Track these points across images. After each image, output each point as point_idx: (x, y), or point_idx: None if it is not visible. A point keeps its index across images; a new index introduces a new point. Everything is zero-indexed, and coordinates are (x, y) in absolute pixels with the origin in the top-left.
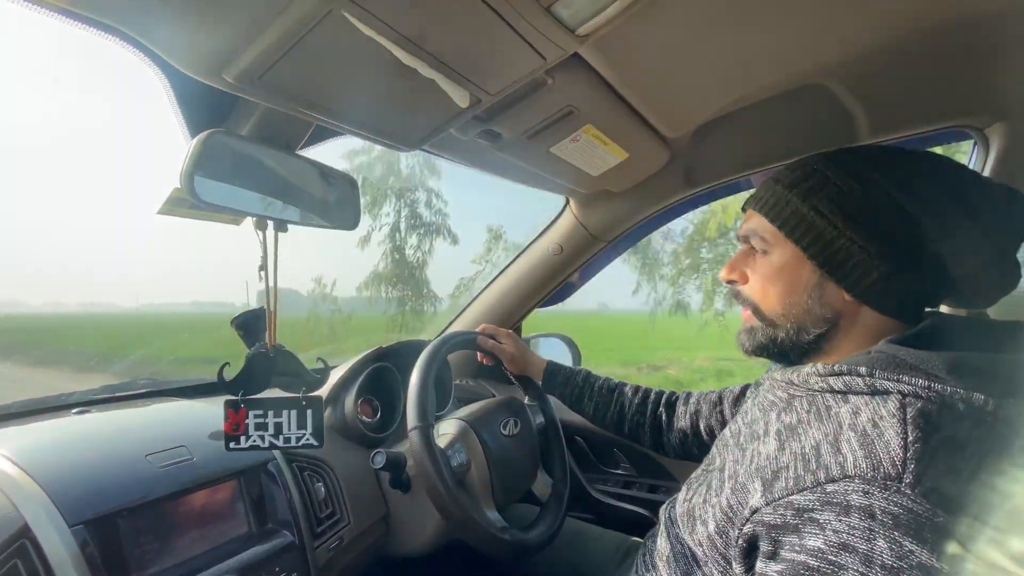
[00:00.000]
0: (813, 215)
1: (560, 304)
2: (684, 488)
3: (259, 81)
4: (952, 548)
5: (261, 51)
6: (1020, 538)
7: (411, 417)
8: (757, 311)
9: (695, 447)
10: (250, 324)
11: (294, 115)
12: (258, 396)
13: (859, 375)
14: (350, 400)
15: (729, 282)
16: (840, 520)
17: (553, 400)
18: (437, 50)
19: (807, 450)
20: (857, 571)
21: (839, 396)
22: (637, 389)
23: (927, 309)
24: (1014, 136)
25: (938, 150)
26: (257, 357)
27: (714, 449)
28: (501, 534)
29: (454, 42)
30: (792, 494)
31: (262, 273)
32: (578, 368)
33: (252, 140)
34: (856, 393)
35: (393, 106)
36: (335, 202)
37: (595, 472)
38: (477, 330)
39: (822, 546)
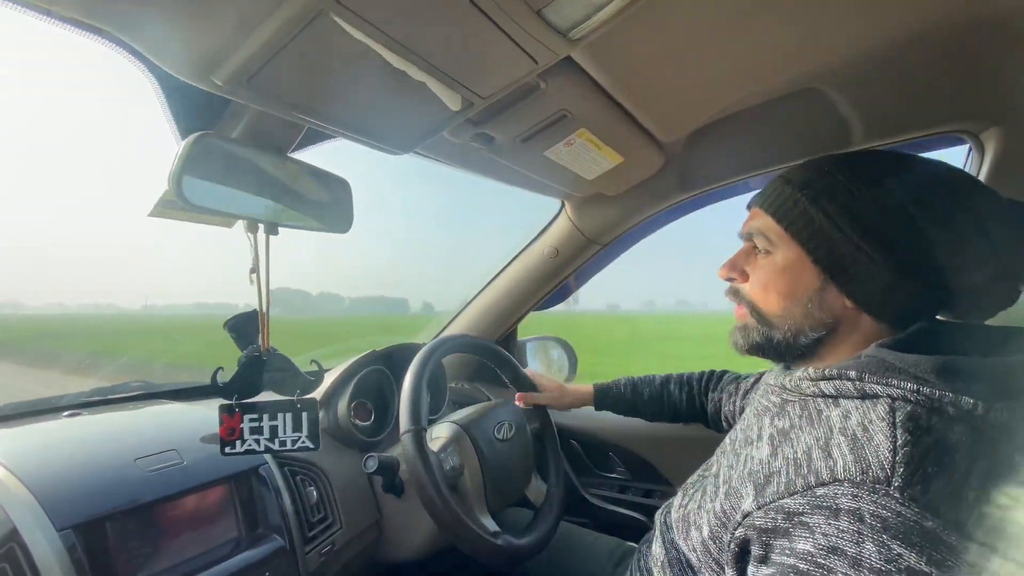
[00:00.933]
0: (822, 218)
1: (575, 304)
2: (680, 493)
3: (248, 84)
4: (941, 552)
5: (250, 54)
6: (1010, 542)
7: (404, 420)
8: (755, 310)
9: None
10: (243, 327)
11: (285, 118)
12: (253, 400)
13: (849, 379)
14: (343, 403)
15: (728, 279)
16: (829, 524)
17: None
18: (427, 53)
19: (799, 455)
20: (845, 574)
21: (830, 400)
22: (680, 383)
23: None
24: (1009, 141)
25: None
26: (251, 360)
27: (713, 455)
28: (494, 539)
29: (443, 45)
30: (783, 498)
31: (253, 276)
32: (622, 381)
33: (243, 143)
34: (846, 397)
35: (384, 109)
36: (328, 205)
37: (590, 476)
38: (517, 402)
39: (811, 549)
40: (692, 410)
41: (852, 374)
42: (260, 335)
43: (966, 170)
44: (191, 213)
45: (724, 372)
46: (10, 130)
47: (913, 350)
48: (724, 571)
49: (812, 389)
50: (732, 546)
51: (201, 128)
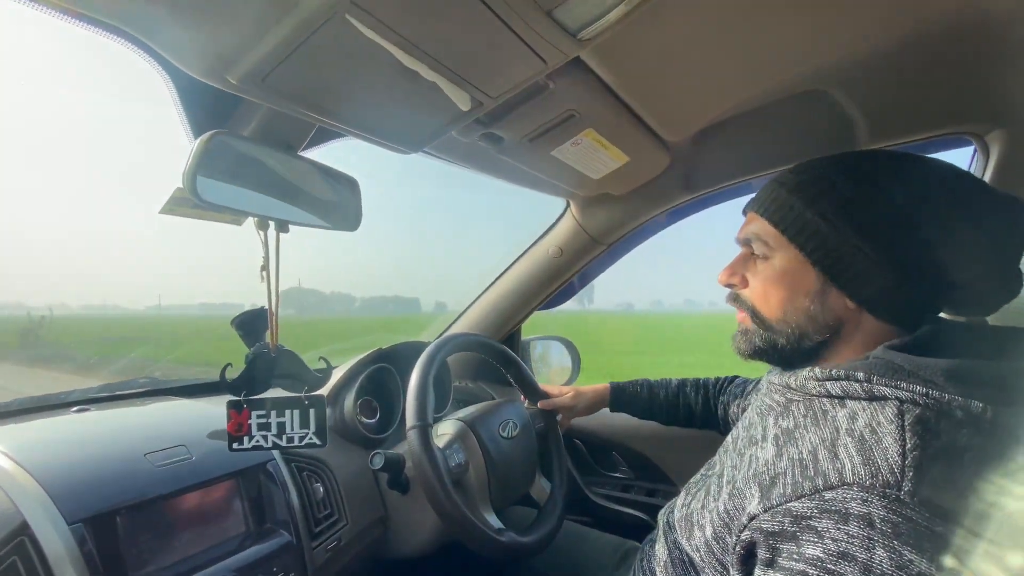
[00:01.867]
0: (818, 220)
1: (590, 304)
2: (683, 493)
3: (263, 83)
4: (950, 557)
5: (265, 53)
6: (1018, 546)
7: (410, 416)
8: (756, 315)
9: None
10: (250, 324)
11: (296, 116)
12: (260, 396)
13: (857, 380)
14: (350, 401)
15: (728, 286)
16: (839, 528)
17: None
18: (439, 53)
19: (804, 455)
20: None
21: (836, 401)
22: (696, 386)
23: (928, 316)
24: (1014, 143)
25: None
26: (259, 357)
27: (716, 455)
28: (498, 536)
29: (456, 46)
30: (790, 501)
31: (263, 273)
32: (638, 382)
33: (254, 141)
34: (853, 398)
35: (395, 108)
36: (337, 203)
37: (593, 475)
38: (540, 404)
39: (821, 555)
40: (707, 414)
41: (860, 375)
42: (269, 332)
43: (971, 171)
44: (202, 211)
45: (735, 377)
46: (12, 129)
47: (921, 352)
48: (728, 572)
49: (818, 389)
50: (737, 548)
51: (213, 127)
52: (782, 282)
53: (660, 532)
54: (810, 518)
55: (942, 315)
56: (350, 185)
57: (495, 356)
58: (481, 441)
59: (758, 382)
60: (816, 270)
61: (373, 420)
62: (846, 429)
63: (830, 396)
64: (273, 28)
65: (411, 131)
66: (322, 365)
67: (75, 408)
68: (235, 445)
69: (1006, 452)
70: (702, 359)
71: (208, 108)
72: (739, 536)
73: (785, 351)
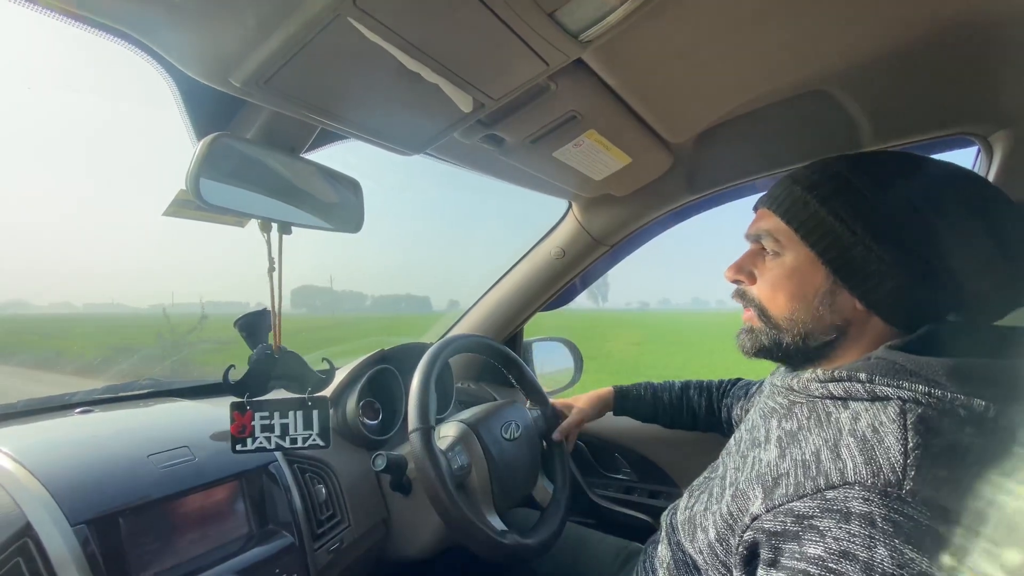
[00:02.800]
0: (832, 220)
1: (605, 303)
2: (686, 495)
3: (265, 85)
4: (952, 556)
5: (267, 56)
6: (1020, 545)
7: (412, 419)
8: (763, 313)
9: None
10: (253, 325)
11: (299, 119)
12: (264, 398)
13: (859, 381)
14: (352, 402)
15: (735, 282)
16: (840, 527)
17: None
18: (441, 55)
19: (807, 456)
20: None
21: (839, 402)
22: (700, 389)
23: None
24: (1018, 143)
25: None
26: (262, 358)
27: (719, 458)
28: (501, 538)
29: (458, 47)
30: (792, 501)
31: (272, 275)
32: (642, 386)
33: (257, 143)
34: (856, 399)
35: (397, 110)
36: (339, 205)
37: (596, 477)
38: (555, 437)
39: (822, 554)
40: (711, 417)
41: (862, 376)
42: (272, 333)
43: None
44: (205, 213)
45: (738, 379)
46: (17, 128)
47: (923, 352)
48: (732, 573)
49: (821, 391)
50: (740, 549)
51: (216, 129)
52: (791, 280)
53: (663, 534)
54: (812, 517)
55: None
56: (352, 187)
57: (497, 357)
58: (483, 443)
59: (761, 384)
60: (826, 270)
61: (375, 421)
62: (849, 430)
63: (833, 397)
64: (275, 31)
65: (413, 133)
66: (325, 366)
67: (78, 409)
68: (238, 447)
69: (1009, 450)
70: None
71: (211, 110)
72: (742, 537)
73: (790, 350)
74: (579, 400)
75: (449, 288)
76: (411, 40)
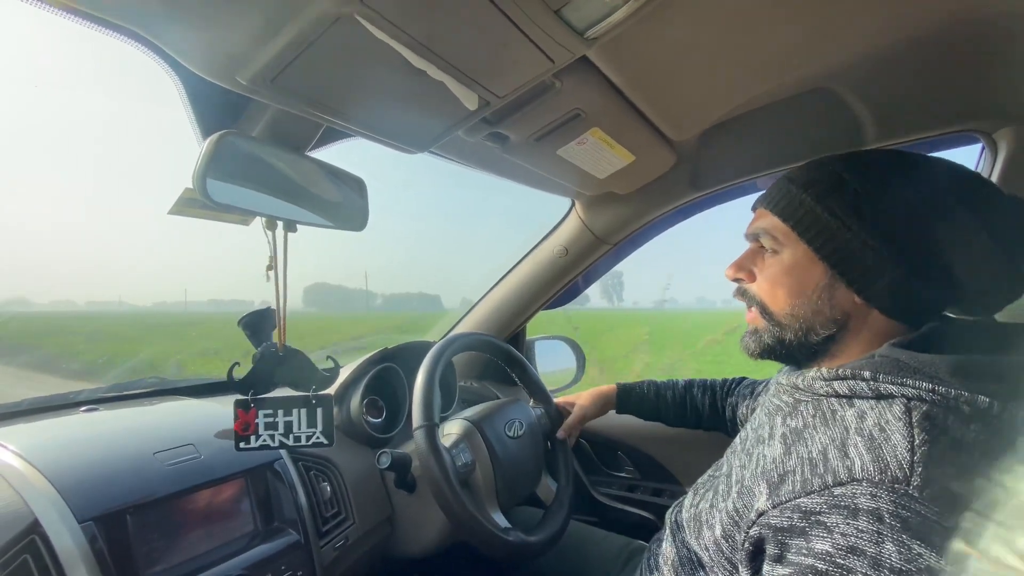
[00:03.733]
0: (827, 216)
1: (621, 302)
2: (691, 493)
3: (271, 83)
4: (960, 551)
5: (274, 54)
6: None
7: (416, 416)
8: (764, 310)
9: None
10: (257, 324)
11: (304, 117)
12: (268, 395)
13: (863, 379)
14: (356, 400)
15: (736, 280)
16: (848, 523)
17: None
18: (447, 53)
19: (814, 454)
20: (865, 574)
21: (844, 400)
22: (703, 388)
23: (934, 315)
24: (1022, 140)
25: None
26: (266, 356)
27: (724, 456)
28: (505, 535)
29: (464, 45)
30: (799, 497)
31: (270, 272)
32: (645, 384)
33: (263, 141)
34: (860, 397)
35: (402, 108)
36: (344, 203)
37: (599, 475)
38: (558, 435)
39: (830, 549)
40: (715, 415)
41: (866, 374)
42: (277, 331)
43: (979, 169)
44: (210, 211)
45: (743, 378)
46: (22, 126)
47: (926, 349)
48: (737, 570)
49: (825, 389)
50: (746, 544)
51: (222, 127)
52: (790, 276)
53: (668, 531)
54: (819, 513)
55: (947, 314)
56: (357, 185)
57: (500, 356)
58: (487, 441)
59: (767, 383)
60: (824, 265)
61: (379, 419)
62: (855, 428)
63: (838, 396)
64: (283, 29)
65: (418, 131)
66: (329, 364)
67: (84, 408)
68: (242, 444)
69: (1015, 447)
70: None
71: (217, 109)
72: (747, 533)
73: (792, 346)
74: (581, 398)
75: (460, 287)
76: (417, 38)
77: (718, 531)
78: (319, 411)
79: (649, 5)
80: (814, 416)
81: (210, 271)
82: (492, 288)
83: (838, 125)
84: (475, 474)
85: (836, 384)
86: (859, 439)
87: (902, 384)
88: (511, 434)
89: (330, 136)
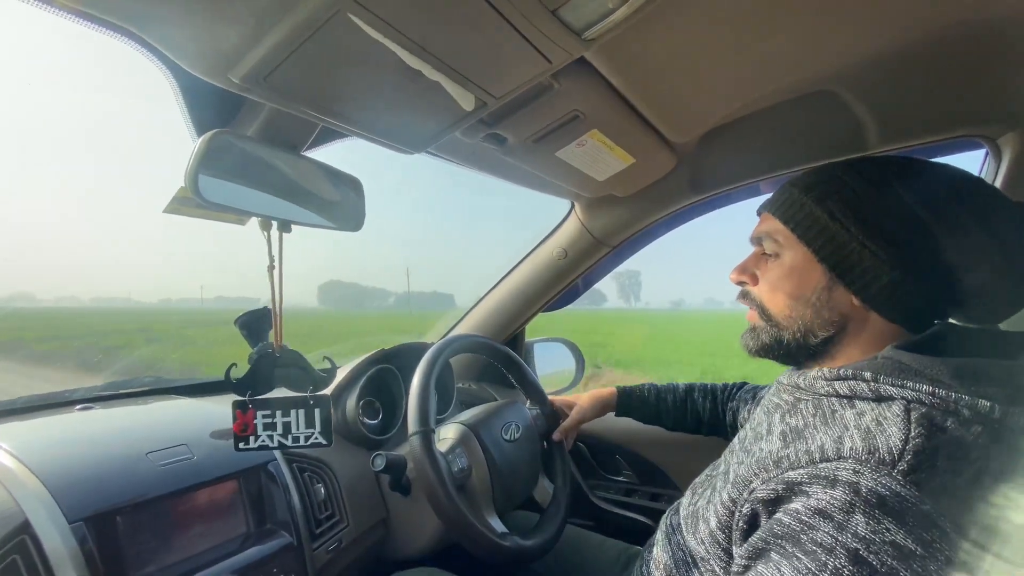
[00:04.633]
0: (826, 218)
1: (637, 302)
2: (689, 493)
3: (265, 82)
4: (931, 534)
5: (267, 52)
6: (1021, 547)
7: (412, 421)
8: (763, 311)
9: None
10: (253, 324)
11: (299, 116)
12: (265, 396)
13: (864, 380)
14: (352, 401)
15: (739, 283)
16: (825, 491)
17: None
18: (442, 53)
19: (812, 449)
20: (828, 534)
21: (844, 400)
22: (704, 392)
23: (936, 321)
24: None
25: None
26: (263, 357)
27: (722, 456)
28: (501, 540)
29: (459, 45)
30: (786, 472)
31: (271, 273)
32: (645, 387)
33: (258, 140)
34: (861, 398)
35: (398, 108)
36: (340, 203)
37: (596, 479)
38: (555, 437)
39: (799, 507)
40: (715, 420)
41: (867, 375)
42: (273, 332)
43: (982, 175)
44: (205, 210)
45: (744, 383)
46: (26, 125)
47: (928, 352)
48: (732, 558)
49: (826, 389)
50: (741, 524)
51: (216, 126)
52: (790, 279)
53: (661, 535)
54: (801, 483)
55: (952, 321)
56: (353, 185)
57: (498, 358)
58: (484, 444)
59: (770, 387)
60: (823, 267)
61: (375, 421)
62: (854, 425)
63: (838, 396)
64: (276, 26)
65: (414, 131)
66: (326, 365)
67: (78, 406)
68: (241, 445)
69: (1015, 453)
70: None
71: (211, 107)
72: (742, 511)
73: (791, 347)
74: (580, 399)
75: (473, 285)
76: (412, 37)
77: (713, 523)
78: (317, 411)
79: (648, 6)
80: (814, 416)
81: (213, 269)
82: (491, 290)
83: (840, 129)
84: (471, 479)
85: (837, 384)
86: (856, 432)
87: (902, 386)
88: (508, 437)
89: (326, 136)
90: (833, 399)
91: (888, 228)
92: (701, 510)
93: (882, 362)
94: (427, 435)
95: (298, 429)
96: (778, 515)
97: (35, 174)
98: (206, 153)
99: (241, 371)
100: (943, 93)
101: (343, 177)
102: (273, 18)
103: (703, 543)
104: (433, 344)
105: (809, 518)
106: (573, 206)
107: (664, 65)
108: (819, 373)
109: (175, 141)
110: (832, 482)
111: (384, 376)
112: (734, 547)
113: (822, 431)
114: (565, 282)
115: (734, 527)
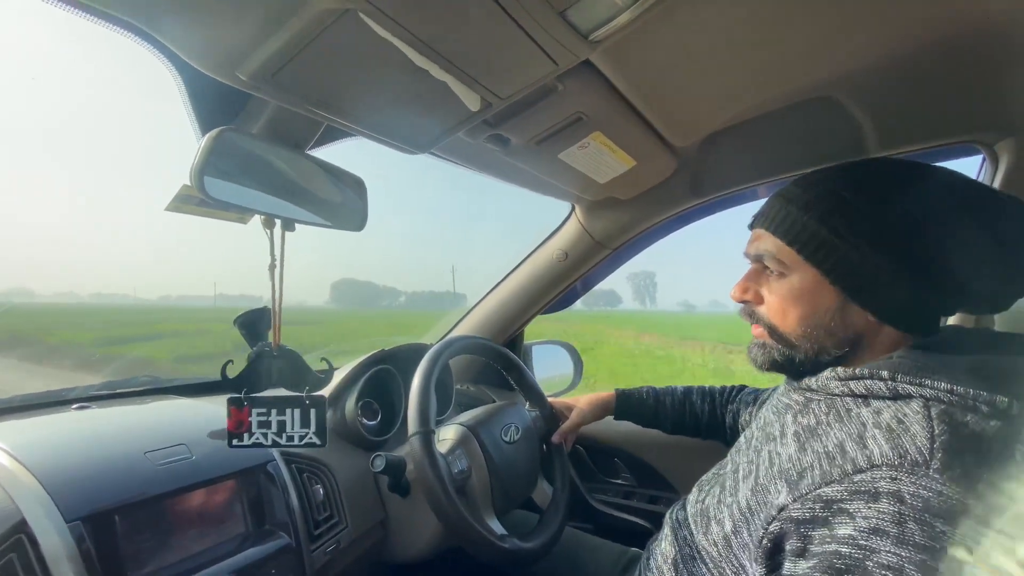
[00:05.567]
0: (834, 239)
1: (651, 304)
2: (695, 489)
3: (272, 79)
4: (981, 534)
5: (275, 50)
6: None
7: (413, 422)
8: (774, 332)
9: None
10: (253, 323)
11: (305, 115)
12: (261, 395)
13: (881, 379)
14: (351, 402)
15: (742, 302)
16: (869, 507)
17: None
18: (450, 53)
19: (831, 448)
20: (890, 552)
21: (859, 399)
22: (703, 394)
23: (943, 319)
24: (1023, 152)
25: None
26: (261, 356)
27: (727, 455)
28: (500, 542)
29: (467, 45)
30: (820, 488)
31: (271, 272)
32: (644, 390)
33: (262, 139)
34: (877, 397)
35: (404, 108)
36: (343, 203)
37: (595, 481)
38: (554, 440)
39: (852, 532)
40: (714, 422)
41: (884, 374)
42: (272, 331)
43: (979, 180)
44: (208, 208)
45: (743, 387)
46: (27, 121)
47: (944, 351)
48: (746, 567)
49: (840, 389)
50: (764, 542)
51: (221, 123)
52: (801, 300)
53: (667, 531)
54: (840, 501)
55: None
56: (357, 185)
57: (497, 359)
58: (483, 446)
59: (771, 391)
60: (835, 288)
61: (374, 422)
62: (872, 423)
63: (853, 395)
64: (285, 25)
65: (419, 131)
66: (324, 366)
67: (75, 405)
68: (235, 442)
69: None
70: None
71: (216, 105)
72: (767, 528)
73: (804, 366)
74: (579, 401)
75: (485, 286)
76: (420, 36)
77: (728, 526)
78: (312, 412)
79: (654, 10)
80: (827, 414)
81: (216, 265)
82: (490, 291)
83: (839, 134)
84: (471, 480)
85: (852, 384)
86: (877, 431)
87: (920, 384)
88: (507, 439)
89: (331, 135)
90: (848, 399)
91: (897, 244)
92: (712, 509)
93: (899, 361)
94: (428, 436)
95: (293, 428)
96: (831, 546)
97: (34, 174)
98: (211, 151)
99: (237, 369)
100: (941, 100)
101: (346, 176)
102: (283, 16)
103: (715, 545)
104: (432, 345)
105: (866, 541)
106: (573, 208)
107: (667, 69)
108: (832, 374)
109: (175, 139)
110: (874, 496)
111: (383, 377)
112: (752, 563)
113: (836, 428)
114: (565, 284)
115: (755, 543)
